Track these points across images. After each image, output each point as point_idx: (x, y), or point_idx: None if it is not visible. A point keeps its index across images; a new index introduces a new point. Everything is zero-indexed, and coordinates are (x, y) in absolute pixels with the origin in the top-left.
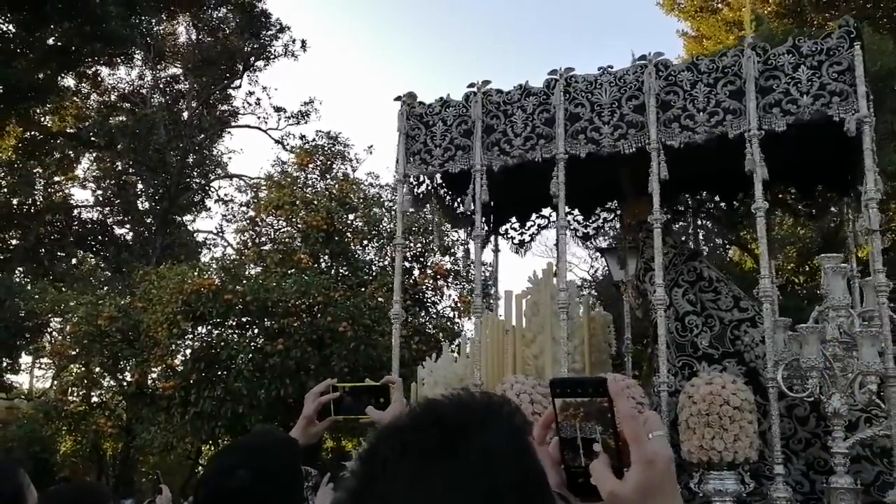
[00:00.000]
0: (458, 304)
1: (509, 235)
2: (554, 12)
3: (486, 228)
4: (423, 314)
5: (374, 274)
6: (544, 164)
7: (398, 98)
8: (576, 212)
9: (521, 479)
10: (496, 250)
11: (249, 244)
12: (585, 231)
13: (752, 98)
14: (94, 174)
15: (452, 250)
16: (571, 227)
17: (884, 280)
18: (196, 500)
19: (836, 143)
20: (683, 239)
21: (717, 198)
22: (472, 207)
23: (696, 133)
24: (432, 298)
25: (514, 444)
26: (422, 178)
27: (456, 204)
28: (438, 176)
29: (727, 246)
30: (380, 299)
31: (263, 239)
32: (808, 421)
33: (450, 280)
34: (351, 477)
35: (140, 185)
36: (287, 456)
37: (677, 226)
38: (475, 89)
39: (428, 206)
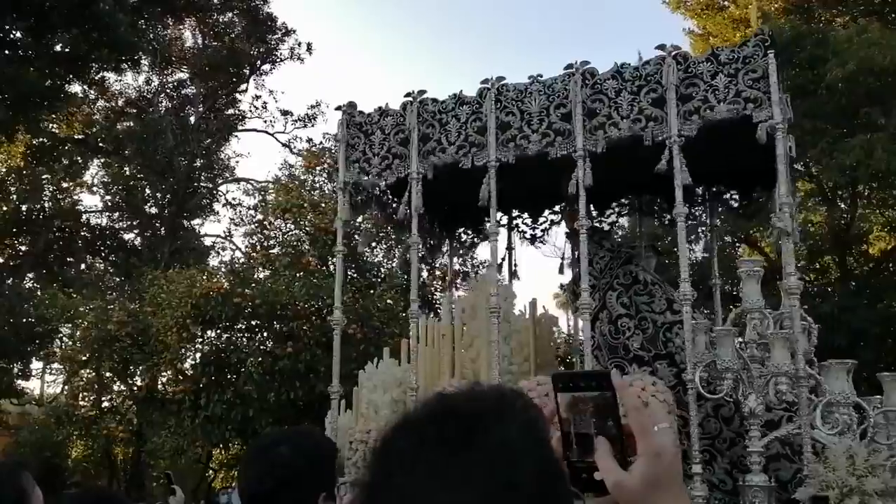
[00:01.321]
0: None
1: (520, 230)
2: (559, 11)
3: (500, 224)
4: (432, 315)
5: (382, 276)
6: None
7: (339, 107)
8: (525, 214)
9: (540, 470)
10: (510, 248)
11: (258, 247)
12: (533, 233)
13: (673, 105)
14: (103, 180)
15: (461, 252)
16: (520, 230)
17: (795, 283)
18: (245, 475)
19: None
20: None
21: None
22: (414, 214)
23: (620, 140)
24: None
25: (531, 436)
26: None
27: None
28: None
29: (736, 244)
30: (388, 301)
31: (272, 242)
32: (732, 420)
33: (459, 281)
34: (366, 471)
35: (148, 190)
36: (327, 446)
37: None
38: (411, 98)
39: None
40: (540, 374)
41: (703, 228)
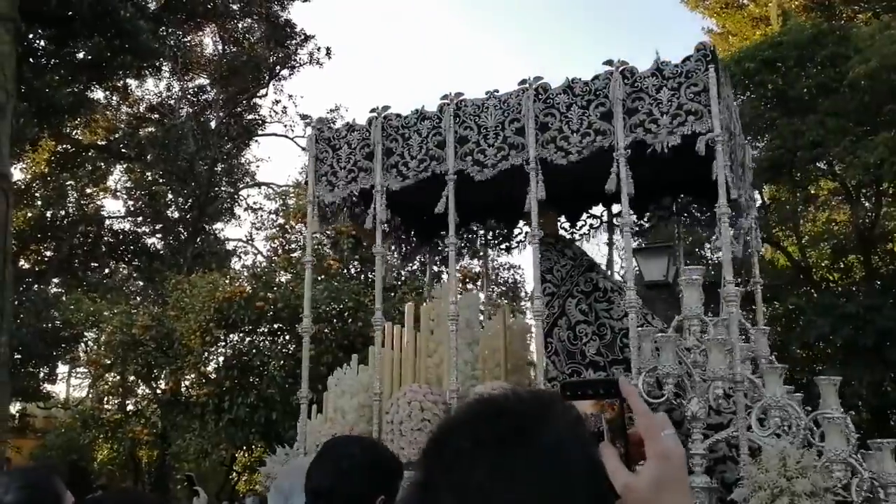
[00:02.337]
0: (486, 308)
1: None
2: (579, 13)
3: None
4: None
5: (403, 279)
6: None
7: (308, 123)
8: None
9: (589, 467)
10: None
11: (279, 251)
12: (507, 242)
13: (620, 119)
14: (125, 185)
15: (481, 253)
16: (491, 238)
17: (733, 290)
18: (314, 473)
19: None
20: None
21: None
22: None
23: (569, 154)
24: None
25: (578, 435)
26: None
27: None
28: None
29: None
30: (409, 303)
31: (293, 246)
32: (682, 424)
33: (477, 283)
34: (418, 470)
35: (170, 195)
36: (388, 453)
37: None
38: (376, 114)
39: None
40: (511, 378)
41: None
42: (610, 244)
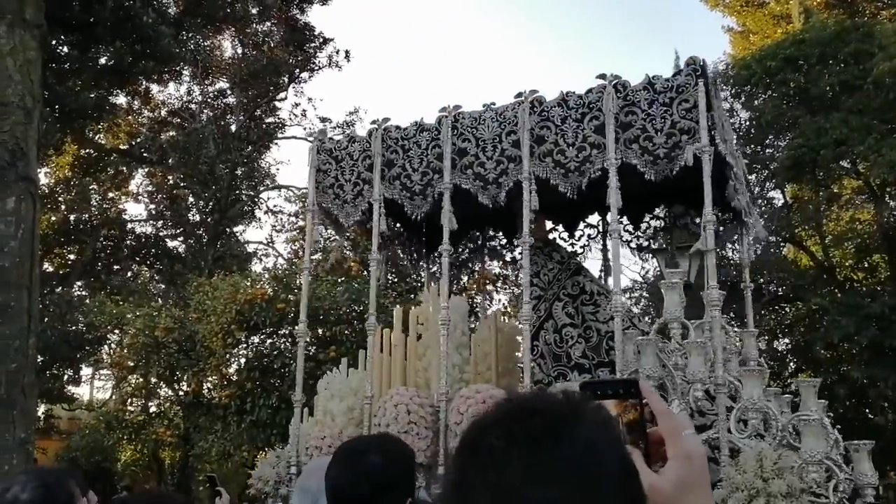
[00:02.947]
0: (508, 309)
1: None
2: (597, 12)
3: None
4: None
5: (422, 280)
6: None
7: (310, 135)
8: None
9: (622, 466)
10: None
11: (300, 253)
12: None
13: (612, 132)
14: (147, 189)
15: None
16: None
17: (716, 294)
18: (335, 477)
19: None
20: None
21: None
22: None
23: (566, 167)
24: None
25: (610, 434)
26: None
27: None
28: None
29: (781, 243)
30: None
31: (314, 248)
32: None
33: (498, 285)
34: (453, 470)
35: (191, 198)
36: (411, 453)
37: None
38: (376, 126)
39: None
40: (501, 381)
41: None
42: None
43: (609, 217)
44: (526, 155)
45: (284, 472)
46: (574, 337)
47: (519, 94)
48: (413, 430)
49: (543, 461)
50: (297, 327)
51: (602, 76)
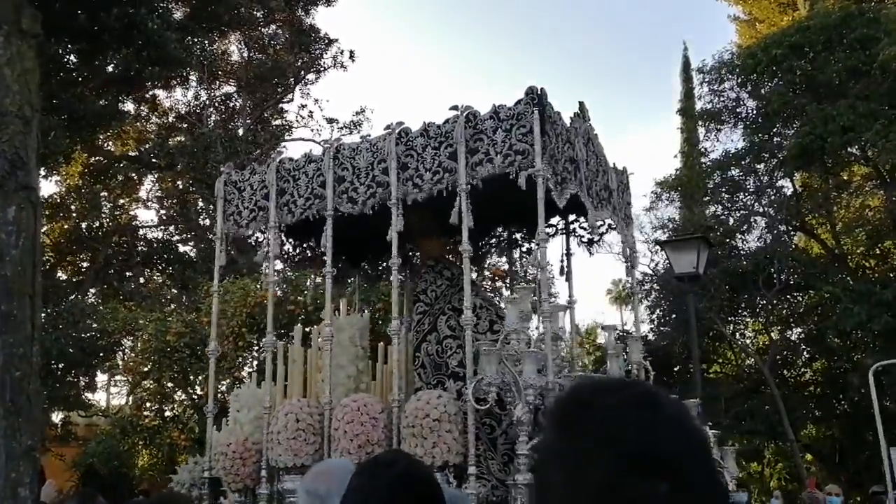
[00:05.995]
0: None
1: (577, 234)
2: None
3: (554, 230)
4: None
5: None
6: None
7: (221, 171)
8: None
9: (707, 437)
10: (569, 253)
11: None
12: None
13: (463, 158)
14: (157, 194)
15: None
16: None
17: (548, 308)
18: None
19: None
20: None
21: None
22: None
23: (422, 190)
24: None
25: (687, 411)
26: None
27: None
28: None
29: (792, 231)
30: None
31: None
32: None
33: (507, 281)
34: (558, 422)
35: (201, 203)
36: (430, 471)
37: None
38: (272, 158)
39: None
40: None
41: (755, 219)
42: (568, 254)
43: (463, 237)
44: (394, 182)
45: (198, 477)
46: (453, 347)
47: (388, 127)
48: (301, 436)
49: (656, 418)
50: (208, 347)
51: (455, 107)
